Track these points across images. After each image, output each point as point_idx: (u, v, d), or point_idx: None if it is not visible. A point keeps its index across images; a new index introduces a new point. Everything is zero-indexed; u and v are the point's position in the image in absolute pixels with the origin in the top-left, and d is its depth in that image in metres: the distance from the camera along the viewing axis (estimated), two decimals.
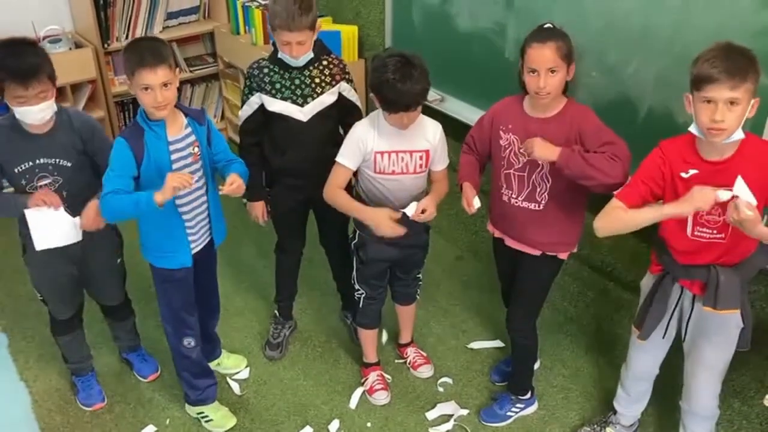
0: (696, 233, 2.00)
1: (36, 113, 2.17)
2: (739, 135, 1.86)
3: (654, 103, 2.51)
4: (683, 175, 1.96)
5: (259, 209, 2.75)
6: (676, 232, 2.03)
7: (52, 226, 2.27)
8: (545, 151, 2.14)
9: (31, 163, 2.25)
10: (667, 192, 2.01)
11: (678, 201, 1.90)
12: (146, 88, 2.09)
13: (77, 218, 2.30)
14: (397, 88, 2.16)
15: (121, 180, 2.13)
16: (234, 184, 2.24)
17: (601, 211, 2.06)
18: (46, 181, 2.28)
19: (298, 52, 2.44)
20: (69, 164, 2.29)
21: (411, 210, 2.32)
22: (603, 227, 2.05)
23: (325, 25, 3.82)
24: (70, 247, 2.37)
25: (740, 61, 1.79)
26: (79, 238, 2.35)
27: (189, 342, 2.49)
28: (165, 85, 2.10)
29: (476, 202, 2.30)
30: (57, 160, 2.27)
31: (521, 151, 2.22)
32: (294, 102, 2.53)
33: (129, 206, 2.11)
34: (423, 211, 2.31)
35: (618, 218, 2.01)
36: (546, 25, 2.16)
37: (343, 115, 2.62)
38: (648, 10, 2.43)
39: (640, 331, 2.22)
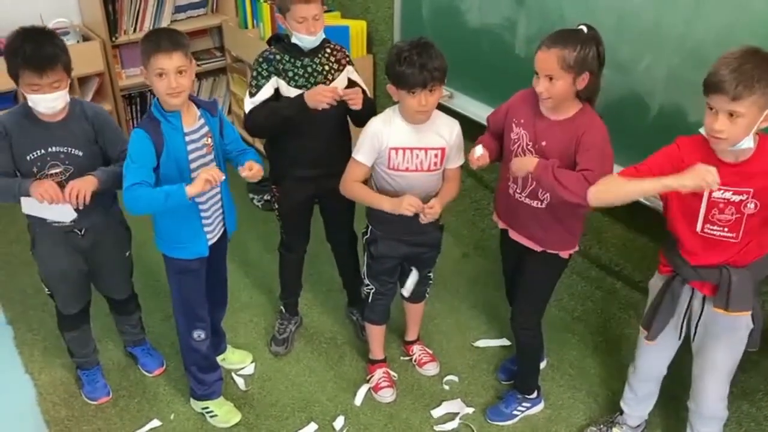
0: (706, 230, 1.98)
1: (49, 101, 2.17)
2: (745, 144, 1.82)
3: (665, 100, 2.49)
4: None
5: (314, 91, 2.42)
6: (685, 228, 2.01)
7: (45, 206, 2.24)
8: (522, 165, 2.16)
9: (42, 151, 2.25)
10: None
11: (681, 174, 1.83)
12: (161, 74, 2.09)
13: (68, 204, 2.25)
14: (414, 61, 2.15)
15: (144, 171, 2.13)
16: (253, 169, 2.26)
17: (599, 182, 2.01)
18: (57, 170, 2.27)
19: (316, 28, 2.44)
20: (81, 153, 2.29)
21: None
22: (597, 193, 1.99)
23: (334, 20, 3.80)
24: (78, 239, 2.37)
25: (750, 72, 1.72)
26: (68, 220, 2.32)
27: (199, 335, 2.49)
28: (180, 72, 2.10)
29: (477, 151, 2.27)
30: (69, 148, 2.27)
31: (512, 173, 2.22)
32: (308, 90, 2.51)
33: (159, 199, 2.11)
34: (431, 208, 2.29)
35: (617, 185, 1.95)
36: (579, 26, 2.10)
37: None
38: (660, 7, 2.40)
39: (648, 332, 2.20)
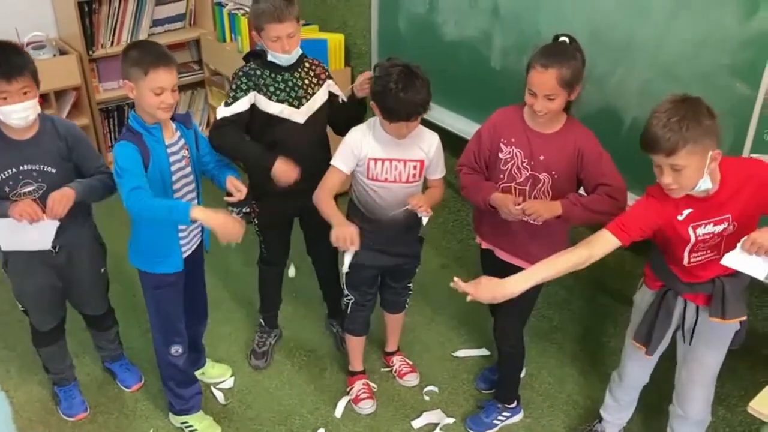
0: (692, 260, 2.02)
1: (20, 112, 2.13)
2: (704, 186, 1.85)
3: (638, 113, 2.53)
4: (679, 218, 1.95)
5: (285, 166, 2.44)
6: (674, 261, 2.05)
7: (22, 232, 2.23)
8: (549, 211, 2.17)
9: (14, 170, 2.22)
10: (668, 230, 1.99)
11: None
12: (159, 90, 2.09)
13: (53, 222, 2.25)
14: (399, 98, 2.16)
15: (139, 178, 2.11)
16: (241, 191, 2.26)
17: (589, 239, 2.02)
18: (30, 188, 2.24)
19: (290, 46, 2.45)
20: (53, 170, 2.26)
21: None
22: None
23: (312, 33, 3.82)
24: (52, 257, 2.35)
25: (678, 125, 1.74)
26: (48, 246, 2.32)
27: (177, 350, 2.47)
28: (173, 89, 2.12)
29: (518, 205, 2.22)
30: (41, 166, 2.24)
31: (525, 215, 2.20)
32: (290, 104, 2.52)
33: (162, 210, 2.11)
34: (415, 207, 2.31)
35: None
36: (561, 38, 2.14)
37: (335, 112, 2.63)
38: (633, 21, 2.45)
39: (647, 348, 2.20)
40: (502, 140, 2.28)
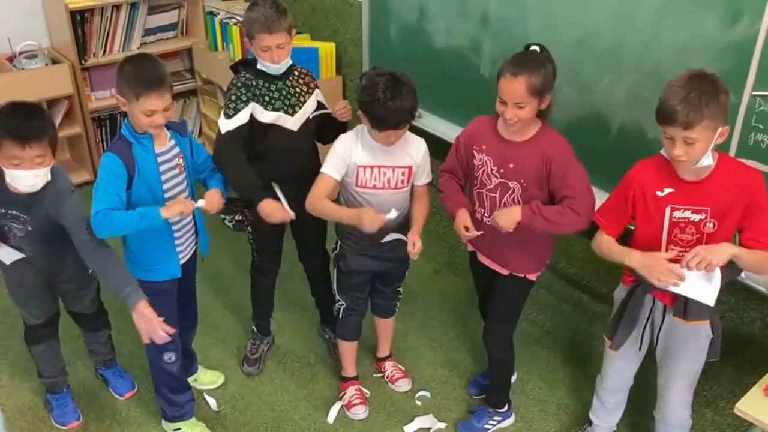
0: (669, 251, 2.04)
1: (29, 179, 2.10)
2: (706, 162, 1.90)
3: (625, 118, 2.56)
4: (659, 193, 1.99)
5: (273, 206, 2.45)
6: (649, 249, 2.07)
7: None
8: (509, 218, 2.20)
9: (2, 211, 2.23)
10: (638, 209, 2.05)
11: (643, 263, 2.00)
12: (150, 113, 2.10)
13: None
14: (387, 107, 2.19)
15: (113, 197, 2.11)
16: (213, 198, 2.26)
17: (597, 239, 2.17)
18: (17, 227, 2.25)
19: (279, 57, 2.47)
20: (38, 224, 2.26)
21: (392, 215, 2.32)
22: (596, 251, 2.17)
23: (303, 41, 3.85)
24: (35, 261, 2.36)
25: (697, 100, 1.79)
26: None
27: (170, 357, 2.48)
28: (165, 109, 2.13)
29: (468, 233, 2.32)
30: (28, 217, 2.24)
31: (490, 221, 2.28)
32: (285, 112, 2.54)
33: (133, 221, 2.11)
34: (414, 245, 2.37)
35: (603, 246, 2.14)
36: (532, 47, 2.17)
37: (322, 123, 2.66)
38: (619, 28, 2.49)
39: (611, 341, 2.25)
40: (474, 147, 2.30)
